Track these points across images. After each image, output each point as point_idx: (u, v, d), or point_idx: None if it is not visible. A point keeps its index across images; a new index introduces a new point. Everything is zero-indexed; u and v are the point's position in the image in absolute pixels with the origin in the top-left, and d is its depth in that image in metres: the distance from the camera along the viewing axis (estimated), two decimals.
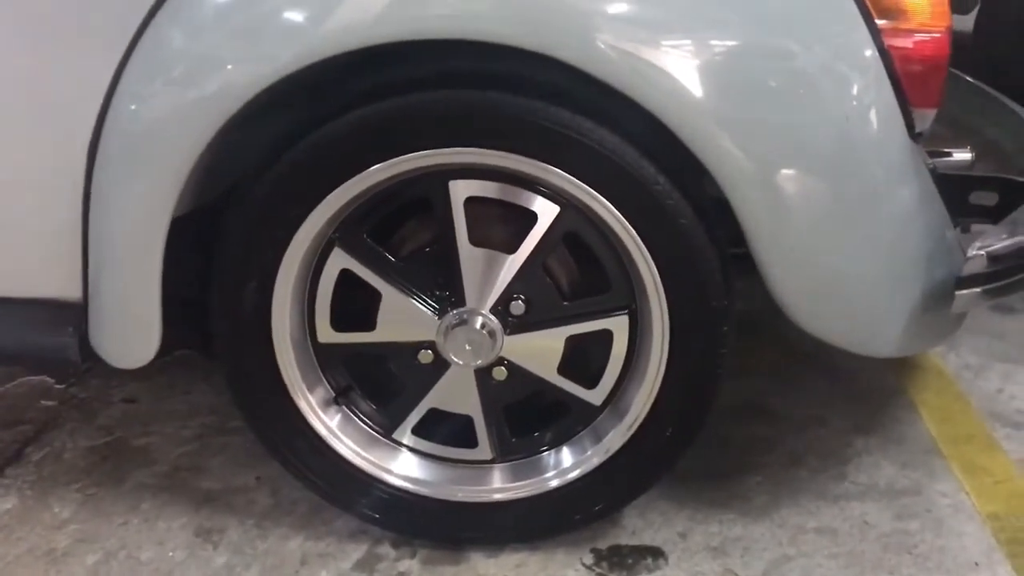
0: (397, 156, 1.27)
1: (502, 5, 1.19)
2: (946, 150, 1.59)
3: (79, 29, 1.29)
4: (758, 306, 1.44)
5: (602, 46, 1.18)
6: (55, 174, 1.34)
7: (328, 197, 1.30)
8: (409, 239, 1.40)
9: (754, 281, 1.33)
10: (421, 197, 1.34)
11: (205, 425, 1.85)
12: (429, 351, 1.39)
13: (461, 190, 1.31)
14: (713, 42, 1.21)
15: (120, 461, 1.75)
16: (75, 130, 1.31)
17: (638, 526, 1.54)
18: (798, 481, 1.65)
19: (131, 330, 1.37)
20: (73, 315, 1.40)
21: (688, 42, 1.20)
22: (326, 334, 1.40)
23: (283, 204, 1.30)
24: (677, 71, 1.19)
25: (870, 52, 1.25)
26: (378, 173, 1.28)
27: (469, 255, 1.33)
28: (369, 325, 1.39)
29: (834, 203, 1.27)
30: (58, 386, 2.00)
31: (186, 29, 1.25)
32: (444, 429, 1.47)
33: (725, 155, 1.22)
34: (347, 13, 1.20)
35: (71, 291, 1.40)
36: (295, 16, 1.22)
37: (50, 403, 1.95)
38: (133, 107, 1.27)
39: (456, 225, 1.32)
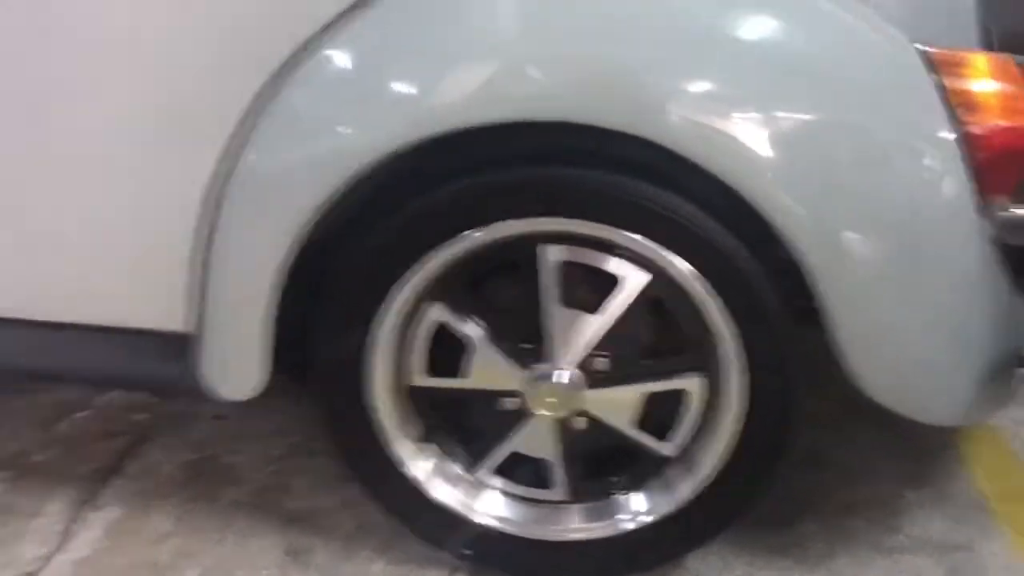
0: (492, 223, 1.37)
1: (588, 91, 1.27)
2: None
3: (209, 75, 1.39)
4: (816, 356, 1.49)
5: (677, 120, 1.26)
6: (175, 212, 1.43)
7: (429, 255, 1.40)
8: (501, 295, 1.49)
9: (815, 333, 1.39)
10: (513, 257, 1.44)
11: (290, 444, 1.97)
12: (515, 399, 1.48)
13: (551, 255, 1.40)
14: (789, 115, 1.29)
15: (212, 477, 1.87)
16: (195, 171, 1.41)
17: (699, 569, 1.62)
18: (853, 531, 1.72)
19: (242, 364, 1.48)
20: (183, 347, 1.51)
21: (761, 115, 1.28)
22: (420, 379, 1.50)
23: (387, 261, 1.41)
24: (756, 144, 1.27)
25: (944, 134, 1.32)
26: (474, 238, 1.39)
27: (557, 314, 1.42)
28: (460, 372, 1.49)
29: (902, 274, 1.34)
30: (151, 399, 2.12)
31: (312, 93, 1.35)
32: (520, 468, 1.57)
33: (799, 223, 1.29)
34: (452, 98, 1.31)
35: (182, 323, 1.51)
36: (408, 93, 1.33)
37: (142, 416, 2.08)
38: (254, 158, 1.38)
39: (546, 287, 1.41)
